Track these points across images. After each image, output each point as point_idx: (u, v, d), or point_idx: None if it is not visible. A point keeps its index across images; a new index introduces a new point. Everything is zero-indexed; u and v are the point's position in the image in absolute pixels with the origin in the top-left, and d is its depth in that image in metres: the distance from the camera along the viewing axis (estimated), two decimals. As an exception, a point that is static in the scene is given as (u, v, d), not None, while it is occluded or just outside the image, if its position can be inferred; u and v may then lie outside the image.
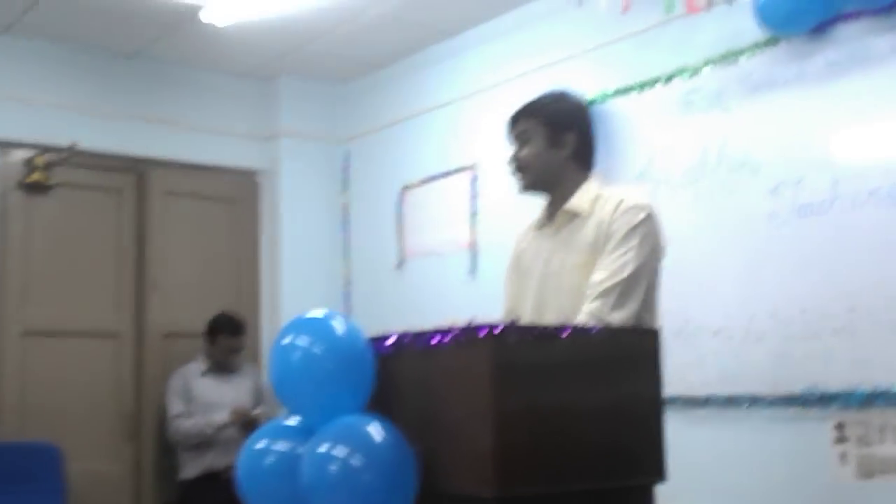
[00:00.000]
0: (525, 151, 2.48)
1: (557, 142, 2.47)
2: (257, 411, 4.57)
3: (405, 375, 1.95)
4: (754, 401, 3.35)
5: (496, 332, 1.79)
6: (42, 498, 4.23)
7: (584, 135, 2.53)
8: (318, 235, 5.31)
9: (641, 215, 2.37)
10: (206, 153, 5.11)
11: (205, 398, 4.65)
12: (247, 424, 4.41)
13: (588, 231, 2.40)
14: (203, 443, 4.58)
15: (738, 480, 3.38)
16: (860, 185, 3.15)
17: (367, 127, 5.26)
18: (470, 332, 1.80)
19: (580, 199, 2.45)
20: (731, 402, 3.42)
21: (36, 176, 4.61)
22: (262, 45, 4.82)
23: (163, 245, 4.96)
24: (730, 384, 3.43)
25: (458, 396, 1.83)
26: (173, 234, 5.00)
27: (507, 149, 2.59)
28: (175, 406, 4.64)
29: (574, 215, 2.45)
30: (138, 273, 4.90)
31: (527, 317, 2.42)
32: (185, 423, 4.59)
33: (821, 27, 3.27)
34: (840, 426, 3.14)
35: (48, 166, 4.64)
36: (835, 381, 3.15)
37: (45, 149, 4.64)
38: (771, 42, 3.42)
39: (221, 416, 4.56)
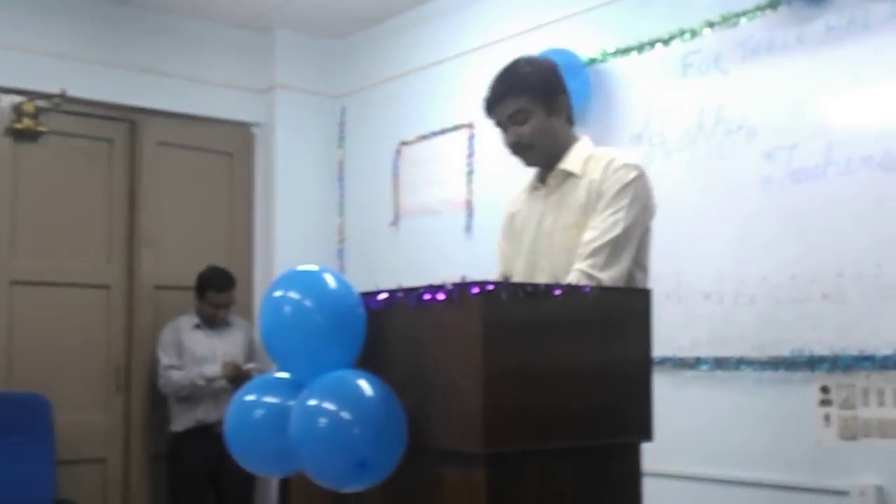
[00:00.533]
0: (528, 129, 2.42)
1: (554, 109, 2.44)
2: (249, 366, 4.58)
3: (396, 331, 1.96)
4: (743, 363, 3.39)
5: (488, 289, 1.79)
6: (31, 449, 4.25)
7: (567, 92, 2.51)
8: (313, 190, 5.29)
9: (632, 174, 2.36)
10: (200, 104, 5.07)
11: (196, 351, 4.66)
12: (237, 378, 4.42)
13: (580, 191, 2.40)
14: (194, 395, 4.60)
15: (724, 440, 3.43)
16: (854, 152, 3.15)
17: (363, 82, 5.22)
18: (462, 289, 1.80)
19: (573, 158, 2.45)
20: (719, 363, 3.46)
21: (25, 122, 4.57)
22: (258, -4, 4.77)
23: (155, 196, 4.93)
24: (719, 346, 3.46)
25: (448, 353, 1.83)
26: (166, 184, 4.97)
27: (495, 129, 2.51)
28: (167, 357, 4.65)
29: (567, 175, 2.44)
30: (130, 224, 4.88)
31: (519, 277, 2.42)
32: (177, 375, 4.60)
33: (821, -9, 3.25)
34: (825, 388, 3.18)
35: (38, 113, 4.60)
36: (821, 345, 3.18)
37: (34, 95, 4.59)
38: (771, 5, 3.40)
39: (213, 369, 4.57)
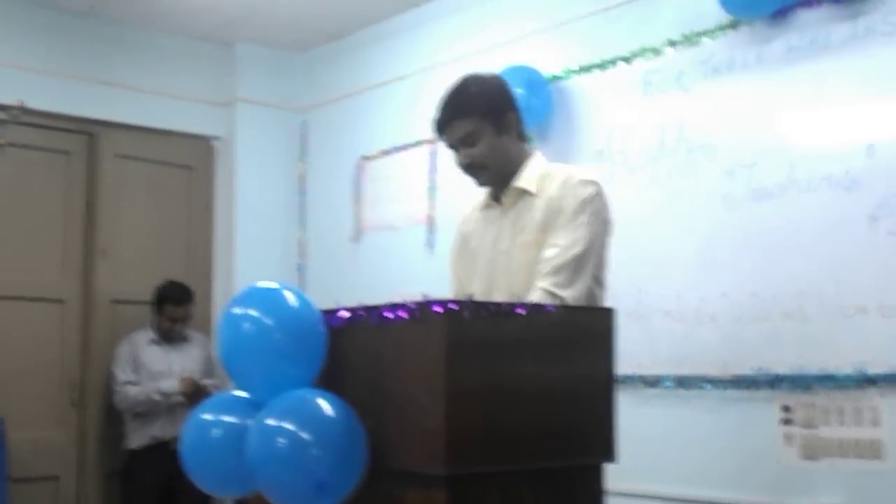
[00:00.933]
0: (479, 150, 2.39)
1: (503, 128, 2.42)
2: (207, 382, 4.52)
3: (357, 350, 1.93)
4: (704, 381, 3.39)
5: (451, 308, 1.77)
6: (-18, 465, 4.15)
7: (517, 109, 2.48)
8: (274, 205, 5.25)
9: (591, 190, 2.36)
10: (160, 117, 5.01)
11: (152, 367, 4.58)
12: (195, 395, 4.36)
13: (537, 209, 2.38)
14: (150, 411, 4.52)
15: (686, 459, 3.43)
16: (814, 171, 3.18)
17: (325, 97, 5.19)
18: (424, 307, 1.78)
19: (527, 176, 2.43)
20: (681, 382, 3.46)
21: (-18, 134, 4.49)
22: (220, 9, 4.73)
23: (113, 209, 4.87)
24: (681, 365, 3.46)
25: (410, 372, 1.81)
26: (125, 198, 4.91)
27: (449, 153, 2.49)
28: (123, 373, 4.57)
29: (522, 193, 2.43)
30: (87, 237, 4.80)
31: (476, 297, 2.39)
32: (133, 390, 4.52)
33: (782, 12, 3.29)
34: (786, 408, 3.19)
35: (-5, 125, 4.52)
36: (782, 364, 3.19)
37: (-9, 107, 4.51)
38: (732, 25, 3.42)
39: (170, 384, 4.50)
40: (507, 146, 2.43)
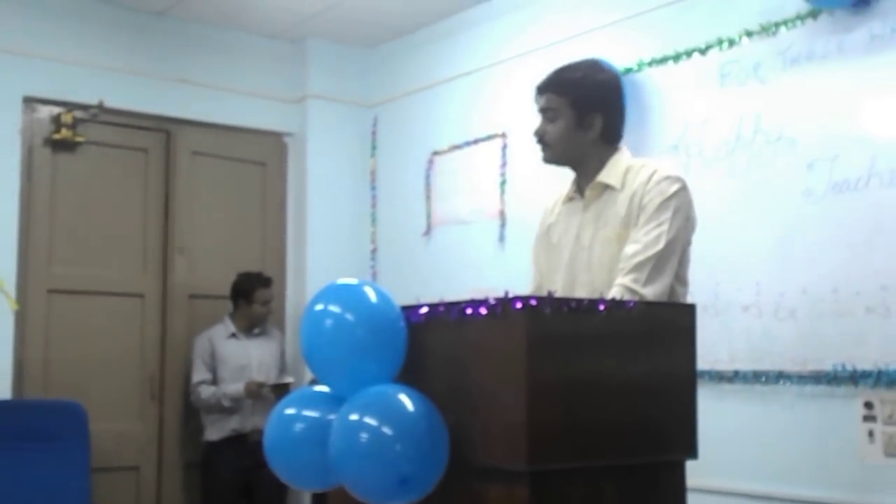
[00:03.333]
0: (551, 128, 2.43)
1: (584, 124, 2.42)
2: (289, 379, 4.58)
3: (437, 346, 1.93)
4: (782, 377, 3.33)
5: (531, 304, 1.76)
6: (66, 456, 4.27)
7: (613, 114, 2.47)
8: (346, 200, 5.29)
9: (675, 186, 2.33)
10: (233, 114, 5.09)
11: (233, 361, 4.67)
12: (279, 389, 4.45)
13: (620, 204, 2.36)
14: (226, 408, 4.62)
15: (764, 456, 3.37)
16: (898, 163, 3.10)
17: (395, 92, 5.22)
18: (505, 303, 1.78)
19: (611, 172, 2.41)
20: (759, 377, 3.40)
21: (63, 133, 4.61)
22: (291, 6, 4.78)
23: (189, 205, 4.96)
24: (758, 360, 3.41)
25: (491, 368, 1.81)
26: (200, 194, 5.00)
27: (532, 114, 2.54)
28: (198, 372, 4.67)
29: (605, 188, 2.41)
30: (164, 233, 4.90)
31: (558, 292, 2.38)
32: (205, 392, 4.61)
33: (864, 0, 3.19)
34: (868, 404, 3.12)
35: (75, 123, 4.64)
36: (864, 360, 3.12)
37: (72, 106, 4.63)
38: (812, 14, 3.35)
39: (237, 388, 4.57)
40: (579, 141, 2.43)
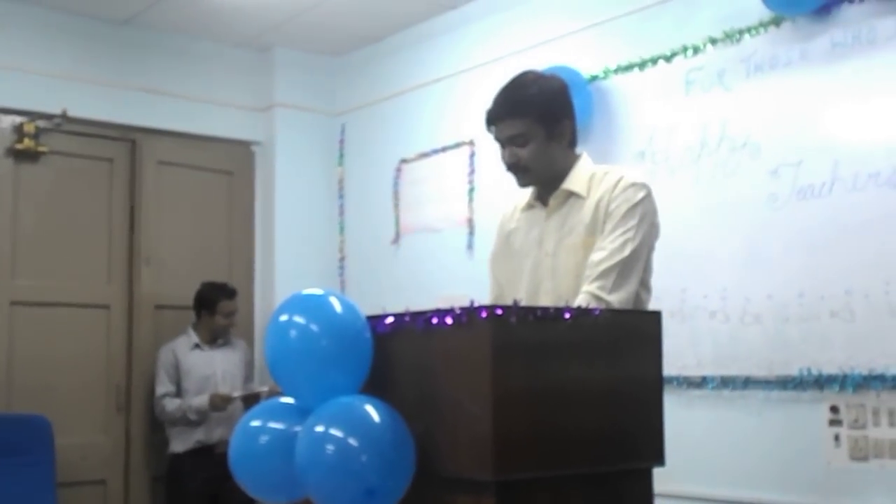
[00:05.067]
0: (527, 152, 2.36)
1: (555, 135, 2.39)
2: (262, 389, 4.54)
3: (403, 356, 1.92)
4: (750, 382, 3.35)
5: (497, 313, 1.76)
6: (32, 470, 4.21)
7: (574, 117, 2.45)
8: (314, 209, 5.27)
9: (641, 193, 2.33)
10: (200, 123, 5.06)
11: (197, 372, 4.63)
12: (250, 399, 4.42)
13: (586, 211, 2.36)
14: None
15: (732, 461, 3.39)
16: (860, 168, 3.13)
17: (363, 100, 5.21)
18: (471, 312, 1.77)
19: (575, 179, 2.41)
20: (726, 383, 3.42)
21: (26, 143, 4.56)
22: (258, 15, 4.76)
23: (155, 215, 4.92)
24: (726, 365, 3.43)
25: (457, 378, 1.80)
26: (166, 204, 4.96)
27: (496, 147, 2.45)
28: (162, 385, 4.62)
29: (569, 195, 2.41)
30: (130, 243, 4.86)
31: (522, 299, 2.38)
32: (170, 405, 4.57)
33: (825, 8, 3.24)
34: (834, 409, 3.14)
35: (38, 133, 4.58)
36: (830, 364, 3.15)
37: (35, 115, 4.58)
38: (775, 22, 3.39)
39: (201, 400, 4.53)
40: (555, 153, 2.41)
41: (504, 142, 2.41)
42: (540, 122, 2.36)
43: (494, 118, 2.40)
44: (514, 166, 2.41)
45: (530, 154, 2.37)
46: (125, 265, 4.83)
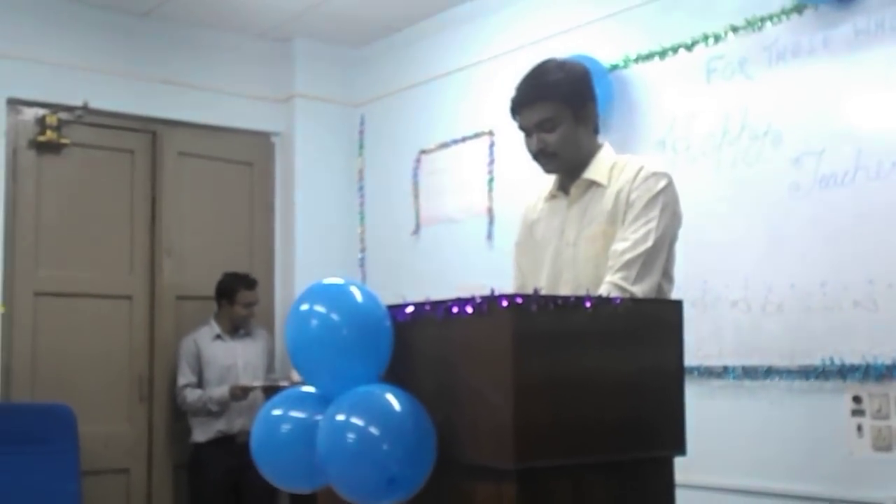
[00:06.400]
0: (553, 137, 2.35)
1: (582, 118, 2.38)
2: (283, 383, 4.55)
3: (423, 345, 1.93)
4: (772, 372, 3.34)
5: (517, 302, 1.76)
6: (55, 459, 4.25)
7: (597, 102, 2.45)
8: (333, 199, 5.28)
9: (662, 183, 2.32)
10: (220, 114, 5.07)
11: (220, 362, 4.65)
12: (270, 391, 4.43)
13: (606, 201, 2.35)
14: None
15: (754, 451, 3.38)
16: (883, 157, 3.11)
17: (382, 90, 5.21)
18: (491, 301, 1.77)
19: (597, 168, 2.40)
20: (748, 372, 3.41)
21: (48, 135, 4.59)
22: (277, 5, 4.76)
23: (176, 206, 4.94)
24: (747, 355, 3.41)
25: (477, 366, 1.80)
26: (187, 195, 4.98)
27: (521, 134, 2.44)
28: (184, 375, 4.65)
29: (591, 184, 2.40)
30: (151, 234, 4.88)
31: (543, 288, 2.37)
32: (191, 396, 4.60)
33: (849, -6, 3.21)
34: (857, 398, 3.12)
35: (60, 125, 4.61)
36: (852, 354, 3.13)
37: (57, 107, 4.61)
38: (797, 9, 3.35)
39: (222, 391, 4.55)
40: (582, 138, 2.40)
41: (531, 128, 2.39)
42: (567, 106, 2.35)
43: (520, 104, 2.39)
44: (542, 152, 2.39)
45: (558, 138, 2.36)
46: (147, 256, 4.86)
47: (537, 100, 2.35)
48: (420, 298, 1.95)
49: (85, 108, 4.62)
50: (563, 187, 2.47)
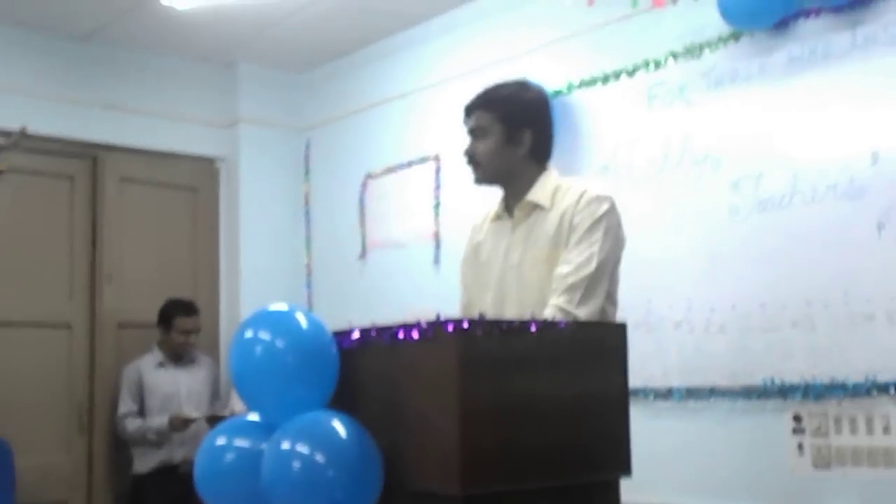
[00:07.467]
0: (481, 147, 2.45)
1: (514, 139, 2.44)
2: (225, 413, 4.48)
3: (370, 370, 1.92)
4: (715, 392, 3.38)
5: (463, 326, 1.76)
6: (-9, 492, 4.13)
7: (542, 131, 2.50)
8: (279, 225, 5.25)
9: (605, 206, 2.36)
10: (163, 139, 5.02)
11: (161, 390, 4.57)
12: (214, 420, 4.36)
13: (550, 224, 2.38)
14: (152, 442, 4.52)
15: (699, 471, 3.41)
16: (819, 180, 3.18)
17: (327, 115, 5.20)
18: (437, 326, 1.77)
19: (540, 191, 2.43)
20: (692, 393, 3.45)
21: (-15, 160, 4.49)
22: (221, 30, 4.74)
23: (118, 233, 4.87)
24: (691, 376, 3.46)
25: (423, 392, 1.80)
26: (129, 221, 4.91)
27: (463, 136, 2.54)
28: (124, 404, 4.57)
29: (534, 207, 2.43)
30: (92, 261, 4.80)
31: (487, 310, 2.39)
32: (131, 425, 4.52)
33: (783, 22, 3.30)
34: (797, 417, 3.18)
35: (-2, 151, 4.52)
36: (792, 374, 3.19)
37: (-6, 132, 4.52)
38: (734, 36, 3.44)
39: (161, 421, 4.47)
40: (509, 158, 2.45)
41: (468, 132, 2.50)
42: (501, 122, 2.44)
43: (467, 108, 2.51)
44: (469, 157, 2.49)
45: (484, 149, 2.45)
46: (87, 283, 4.78)
47: (477, 107, 2.47)
48: (367, 323, 1.94)
49: (23, 133, 4.53)
50: (508, 209, 2.49)
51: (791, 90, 3.27)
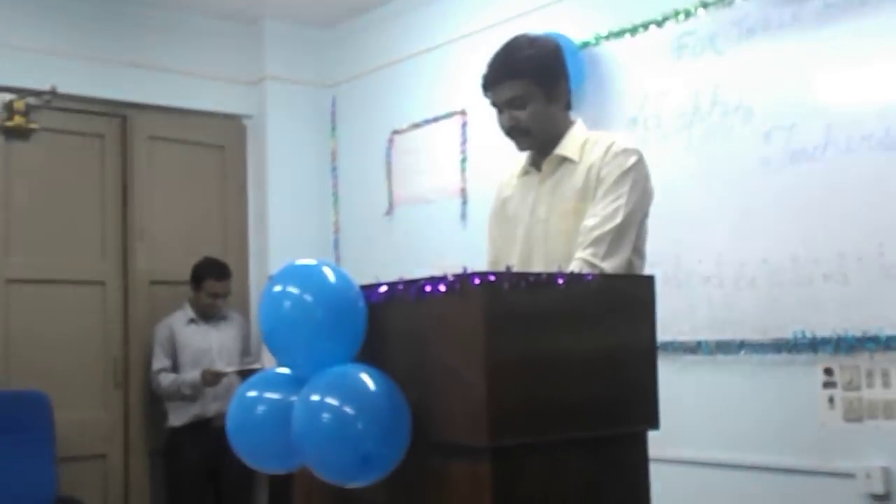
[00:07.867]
0: (526, 115, 2.35)
1: (553, 96, 2.37)
2: (256, 366, 4.54)
3: (397, 324, 1.93)
4: (744, 346, 3.37)
5: (489, 280, 1.76)
6: (30, 447, 4.23)
7: (568, 79, 2.44)
8: (306, 181, 5.26)
9: (632, 159, 2.32)
10: (190, 98, 5.03)
11: (193, 346, 4.63)
12: (245, 374, 4.41)
13: (577, 176, 2.35)
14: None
15: (727, 425, 3.41)
16: (853, 131, 3.13)
17: (354, 71, 5.18)
18: (463, 280, 1.77)
19: (569, 144, 2.40)
20: (721, 347, 3.44)
21: (16, 120, 4.50)
22: (247, -13, 4.72)
23: (148, 191, 4.90)
24: (720, 330, 3.44)
25: (451, 345, 1.80)
26: (158, 179, 4.94)
27: (494, 112, 2.42)
28: (158, 360, 4.63)
29: (563, 160, 2.40)
30: (123, 219, 4.85)
31: (515, 265, 2.37)
32: (165, 380, 4.58)
33: (817, -32, 3.22)
34: (828, 371, 3.16)
35: (28, 110, 4.54)
36: (824, 327, 3.16)
37: (25, 92, 4.53)
38: (767, -17, 3.36)
39: (194, 375, 4.53)
40: (555, 114, 2.40)
41: (502, 105, 2.39)
42: (538, 83, 2.34)
43: (491, 82, 2.38)
44: (514, 129, 2.39)
45: (530, 116, 2.35)
46: (119, 241, 4.83)
47: (507, 77, 2.35)
48: (394, 278, 1.94)
49: (53, 92, 4.55)
50: (536, 163, 2.47)
51: (825, 38, 3.20)
